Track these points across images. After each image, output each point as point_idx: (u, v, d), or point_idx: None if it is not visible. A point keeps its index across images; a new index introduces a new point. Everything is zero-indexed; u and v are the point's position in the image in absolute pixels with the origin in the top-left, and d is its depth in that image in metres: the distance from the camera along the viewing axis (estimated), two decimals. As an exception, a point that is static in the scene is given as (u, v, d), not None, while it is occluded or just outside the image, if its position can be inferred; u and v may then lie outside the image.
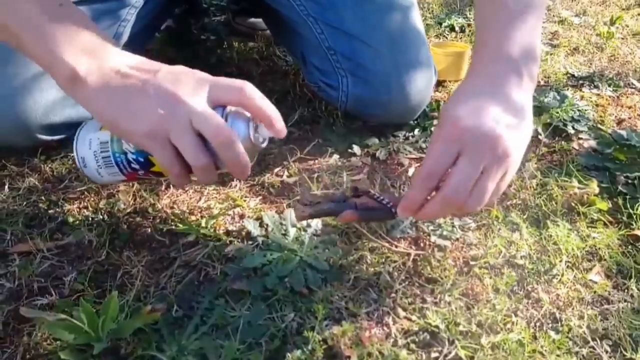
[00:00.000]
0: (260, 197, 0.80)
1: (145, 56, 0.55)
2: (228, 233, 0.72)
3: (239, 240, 0.70)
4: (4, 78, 0.76)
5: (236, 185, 0.82)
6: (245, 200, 0.78)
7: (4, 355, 0.55)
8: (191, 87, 0.51)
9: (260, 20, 1.35)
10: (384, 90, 0.90)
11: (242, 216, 0.75)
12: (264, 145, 0.57)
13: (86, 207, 0.75)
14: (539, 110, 1.02)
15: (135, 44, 0.91)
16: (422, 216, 0.57)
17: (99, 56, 0.52)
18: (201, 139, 0.52)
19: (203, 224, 0.72)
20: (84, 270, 0.64)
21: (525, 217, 0.76)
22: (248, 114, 0.55)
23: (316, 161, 0.89)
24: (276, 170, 0.86)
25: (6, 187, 0.78)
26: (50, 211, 0.74)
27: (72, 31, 0.52)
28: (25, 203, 0.75)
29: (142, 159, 0.58)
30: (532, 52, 0.59)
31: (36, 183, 0.79)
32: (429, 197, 0.55)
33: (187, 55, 1.20)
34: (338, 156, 0.89)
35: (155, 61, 0.54)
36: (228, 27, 1.38)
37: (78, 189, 0.78)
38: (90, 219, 0.73)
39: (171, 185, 0.80)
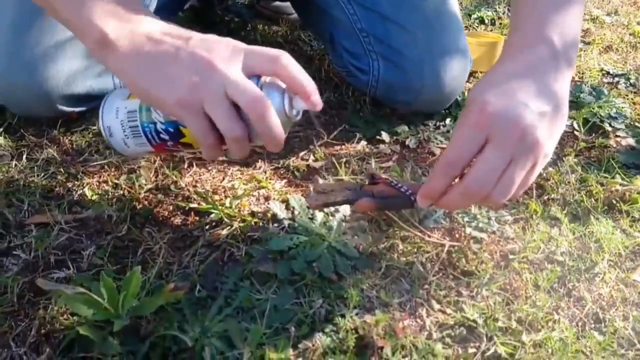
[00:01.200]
0: (285, 180, 0.76)
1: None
2: (253, 214, 0.68)
3: (264, 222, 0.67)
4: (27, 44, 0.74)
5: (260, 166, 0.79)
6: (270, 182, 0.75)
7: (18, 329, 0.52)
8: (226, 54, 0.49)
9: (284, 4, 1.32)
10: (417, 76, 0.87)
11: (267, 198, 0.72)
12: (298, 117, 0.54)
13: (106, 182, 0.72)
14: (575, 105, 0.98)
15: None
16: (442, 205, 0.53)
17: (130, 20, 0.50)
18: (235, 108, 0.48)
19: (227, 204, 0.69)
20: (103, 245, 0.62)
21: (565, 212, 0.72)
22: (283, 85, 0.52)
23: (343, 146, 0.85)
24: (302, 153, 0.83)
25: (24, 157, 0.75)
26: (69, 184, 0.71)
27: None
28: (43, 174, 0.72)
29: (172, 129, 0.55)
30: (572, 37, 0.54)
31: (55, 155, 0.76)
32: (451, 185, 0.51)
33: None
34: (366, 142, 0.86)
35: (187, 29, 0.51)
36: (252, 10, 1.35)
37: (98, 163, 0.75)
38: (110, 193, 0.70)
39: (194, 164, 0.77)
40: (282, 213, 0.68)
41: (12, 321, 0.53)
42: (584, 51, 1.27)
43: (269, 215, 0.68)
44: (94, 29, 0.49)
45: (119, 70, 0.50)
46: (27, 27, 0.74)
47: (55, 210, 0.66)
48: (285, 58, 0.50)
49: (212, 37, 0.50)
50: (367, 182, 0.60)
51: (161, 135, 0.55)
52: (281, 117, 0.50)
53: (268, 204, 0.70)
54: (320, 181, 0.70)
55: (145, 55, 0.49)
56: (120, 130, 0.57)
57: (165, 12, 0.94)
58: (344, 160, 0.80)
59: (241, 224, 0.66)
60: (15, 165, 0.74)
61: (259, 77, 0.50)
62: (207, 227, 0.66)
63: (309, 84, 0.50)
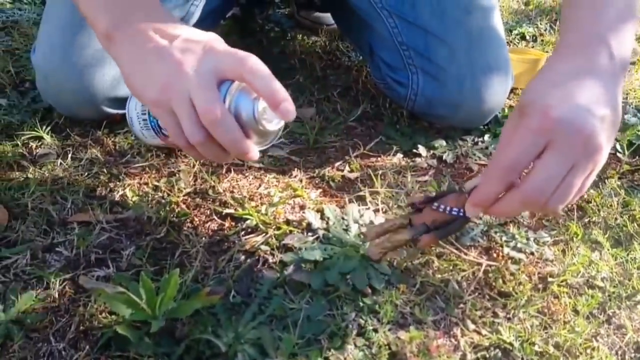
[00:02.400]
0: (321, 190, 0.77)
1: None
2: (288, 222, 0.69)
3: (299, 230, 0.67)
4: (76, 46, 0.76)
5: (296, 175, 0.79)
6: (305, 191, 0.75)
7: (58, 324, 0.54)
8: (197, 57, 0.48)
9: (324, 15, 1.33)
10: (457, 91, 0.86)
11: (302, 207, 0.72)
12: (279, 126, 0.52)
13: (146, 184, 0.74)
14: (621, 127, 0.95)
15: (202, 28, 0.90)
16: (494, 212, 0.51)
17: (134, 15, 0.52)
18: None
19: (263, 211, 0.69)
20: (142, 246, 0.63)
21: (606, 236, 0.70)
22: None
23: (379, 158, 0.85)
24: (337, 164, 0.83)
25: (69, 156, 0.78)
26: (111, 184, 0.73)
27: None
28: (86, 174, 0.74)
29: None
30: (628, 44, 0.52)
31: (98, 155, 0.78)
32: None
33: (251, 43, 1.19)
34: (402, 155, 0.86)
35: (192, 27, 0.52)
36: (292, 20, 1.37)
37: (139, 165, 0.77)
38: (150, 195, 0.71)
39: (232, 169, 0.78)
40: (316, 222, 0.68)
41: (53, 316, 0.54)
42: (628, 71, 1.24)
43: (304, 224, 0.68)
44: (100, 21, 0.53)
45: (117, 62, 0.53)
46: (79, 29, 0.76)
47: (97, 209, 0.68)
48: (252, 61, 0.48)
49: (196, 36, 0.50)
50: (411, 211, 0.58)
51: (162, 130, 0.59)
52: (251, 124, 0.49)
53: (303, 212, 0.70)
54: (365, 229, 0.67)
55: (134, 50, 0.51)
56: (137, 121, 0.63)
57: (209, 20, 0.96)
58: (380, 172, 0.80)
59: (276, 232, 0.67)
60: (60, 163, 0.76)
61: (232, 82, 0.49)
62: (242, 233, 0.66)
63: (277, 91, 0.47)
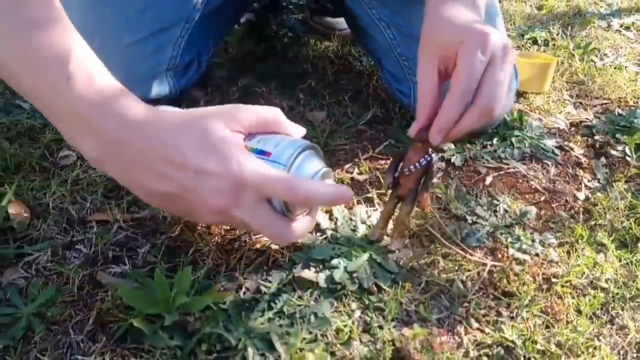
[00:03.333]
0: (330, 192, 0.78)
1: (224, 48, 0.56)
2: (298, 223, 0.71)
3: (309, 231, 0.69)
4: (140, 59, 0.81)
5: (307, 177, 0.81)
6: (315, 193, 0.77)
7: (76, 317, 0.56)
8: (231, 196, 0.48)
9: (337, 20, 1.35)
10: None
11: (312, 208, 0.74)
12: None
13: (161, 184, 0.76)
14: (628, 130, 0.96)
15: (213, 31, 0.93)
16: (454, 134, 0.57)
17: (103, 139, 0.48)
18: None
19: (273, 212, 0.71)
20: (157, 244, 0.65)
21: (612, 238, 0.71)
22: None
23: (388, 161, 0.87)
24: (347, 166, 0.85)
25: (88, 158, 0.81)
26: (128, 185, 0.76)
27: (82, 111, 0.47)
28: (105, 175, 0.77)
29: None
30: None
31: (116, 157, 0.81)
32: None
33: (265, 48, 1.22)
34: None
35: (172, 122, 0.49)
36: (305, 25, 1.39)
37: (155, 166, 0.80)
38: (164, 195, 0.74)
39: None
40: (325, 223, 0.70)
41: (72, 310, 0.57)
42: (638, 74, 1.24)
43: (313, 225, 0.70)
44: (83, 152, 0.49)
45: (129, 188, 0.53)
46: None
47: (114, 209, 0.70)
48: (305, 189, 0.49)
49: (213, 142, 0.48)
50: (391, 187, 0.64)
51: None
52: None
53: (313, 213, 0.72)
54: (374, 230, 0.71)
55: (154, 193, 0.49)
56: None
57: (224, 24, 0.99)
58: (389, 175, 0.81)
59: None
60: (80, 165, 0.79)
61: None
62: (253, 232, 0.68)
63: (337, 199, 0.53)
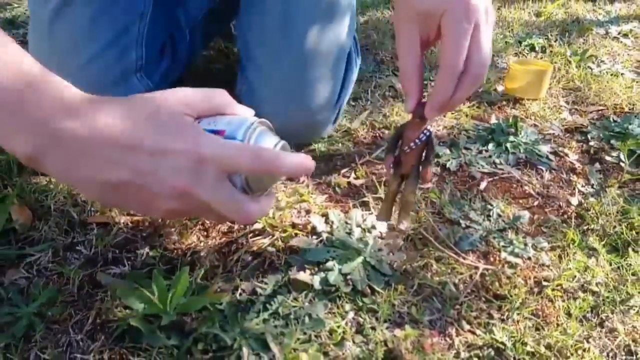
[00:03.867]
0: (327, 196, 0.80)
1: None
2: (294, 226, 0.72)
3: (304, 233, 0.71)
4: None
5: (304, 181, 0.82)
6: (312, 197, 0.78)
7: (76, 317, 0.58)
8: (191, 174, 0.43)
9: None
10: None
11: (308, 211, 0.75)
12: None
13: (161, 188, 0.78)
14: (623, 136, 0.97)
15: (176, 12, 0.89)
16: (452, 107, 0.57)
17: (40, 132, 0.41)
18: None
19: (270, 215, 0.73)
20: (156, 246, 0.67)
21: (603, 243, 0.72)
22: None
23: (384, 166, 0.88)
24: (343, 171, 0.86)
25: (89, 161, 0.82)
26: (128, 188, 0.77)
27: (10, 102, 0.41)
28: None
29: None
30: None
31: (117, 160, 0.83)
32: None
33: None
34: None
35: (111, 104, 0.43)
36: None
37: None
38: (164, 198, 0.75)
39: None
40: (321, 226, 0.72)
41: (72, 310, 0.58)
42: (636, 82, 1.25)
43: (309, 227, 0.72)
44: (10, 148, 0.42)
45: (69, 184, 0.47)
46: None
47: (114, 211, 0.72)
48: (254, 151, 0.45)
49: (160, 131, 0.43)
50: (394, 170, 0.63)
51: None
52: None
53: (309, 216, 0.73)
54: (366, 233, 0.71)
55: (102, 188, 0.43)
56: None
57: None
58: (384, 179, 0.83)
59: (282, 234, 0.70)
60: (82, 168, 0.80)
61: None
62: (250, 235, 0.70)
63: (294, 168, 0.46)
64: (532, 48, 1.40)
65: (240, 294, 0.61)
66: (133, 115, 0.43)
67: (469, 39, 0.54)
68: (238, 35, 0.93)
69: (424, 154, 0.61)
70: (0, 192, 0.71)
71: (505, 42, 1.42)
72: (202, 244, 0.67)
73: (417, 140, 0.59)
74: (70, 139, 0.41)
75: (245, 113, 0.50)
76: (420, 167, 0.61)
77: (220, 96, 0.48)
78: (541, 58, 1.33)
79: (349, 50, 0.91)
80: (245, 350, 0.55)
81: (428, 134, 0.59)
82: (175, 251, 0.67)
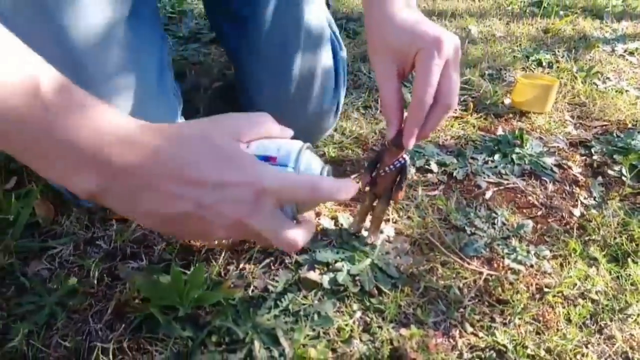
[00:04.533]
0: (336, 200, 0.82)
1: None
2: (305, 228, 0.74)
3: (314, 235, 0.73)
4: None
5: (315, 186, 0.85)
6: (322, 201, 0.81)
7: (96, 307, 0.60)
8: (250, 205, 0.45)
9: None
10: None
11: (318, 214, 0.78)
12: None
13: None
14: (626, 151, 0.99)
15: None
16: (426, 134, 0.62)
17: (107, 171, 0.41)
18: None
19: (282, 217, 0.75)
20: (172, 243, 0.69)
21: (604, 253, 0.75)
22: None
23: (360, 183, 0.90)
24: (353, 176, 0.89)
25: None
26: (145, 187, 0.80)
27: (71, 143, 0.41)
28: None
29: None
30: None
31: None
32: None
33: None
34: (414, 170, 0.91)
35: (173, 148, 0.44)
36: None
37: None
38: (180, 198, 0.78)
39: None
40: (331, 229, 0.74)
41: (92, 300, 0.61)
42: (639, 98, 1.27)
43: (319, 229, 0.74)
44: (72, 186, 0.42)
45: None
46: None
47: (132, 208, 0.75)
48: (313, 186, 0.47)
49: (223, 176, 0.44)
50: (369, 188, 0.70)
51: None
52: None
53: (319, 219, 0.76)
54: (353, 224, 0.76)
55: (163, 219, 0.44)
56: None
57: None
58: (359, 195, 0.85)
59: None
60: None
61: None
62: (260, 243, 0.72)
63: (342, 195, 0.50)
64: (539, 63, 1.42)
65: (253, 291, 0.64)
66: (192, 148, 0.44)
67: (439, 73, 0.59)
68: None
69: (398, 179, 0.67)
70: (24, 188, 0.74)
71: (513, 56, 1.44)
72: (216, 242, 0.70)
73: (391, 166, 0.66)
74: (133, 175, 0.42)
75: (288, 134, 0.53)
76: (393, 190, 0.68)
77: (265, 120, 0.51)
78: (548, 73, 1.36)
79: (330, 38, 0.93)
80: (257, 344, 0.57)
81: (403, 162, 0.66)
82: (191, 248, 0.69)
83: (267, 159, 0.50)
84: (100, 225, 0.72)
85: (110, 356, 0.55)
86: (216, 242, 0.68)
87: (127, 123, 0.43)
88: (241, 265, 0.67)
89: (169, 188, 0.43)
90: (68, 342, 0.56)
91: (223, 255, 0.68)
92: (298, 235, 0.49)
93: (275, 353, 0.57)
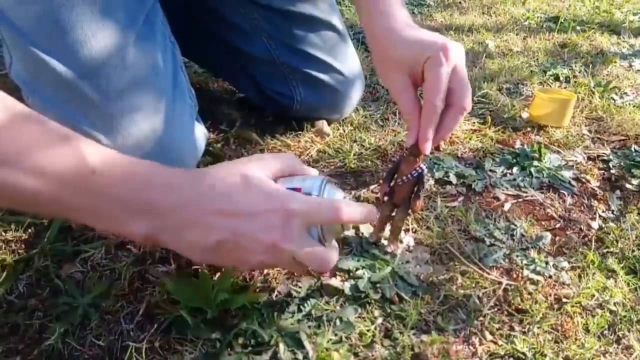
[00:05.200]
0: (357, 210, 0.84)
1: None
2: (326, 236, 0.76)
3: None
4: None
5: (335, 195, 0.87)
6: (343, 210, 0.83)
7: (127, 309, 0.63)
8: (281, 229, 0.51)
9: None
10: (331, 97, 1.03)
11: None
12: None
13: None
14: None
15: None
16: (442, 137, 0.66)
17: (155, 214, 0.49)
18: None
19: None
20: (199, 248, 0.72)
21: (622, 265, 0.75)
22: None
23: (379, 193, 0.92)
24: (372, 187, 0.91)
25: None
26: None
27: (123, 197, 0.48)
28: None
29: None
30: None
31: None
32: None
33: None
34: (433, 182, 0.93)
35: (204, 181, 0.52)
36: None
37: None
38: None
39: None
40: (352, 237, 0.76)
41: (123, 302, 0.64)
42: (660, 114, 1.28)
43: (341, 237, 0.76)
44: (131, 235, 0.52)
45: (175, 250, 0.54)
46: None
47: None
48: (345, 211, 0.53)
49: (257, 209, 0.51)
50: (388, 198, 0.72)
51: None
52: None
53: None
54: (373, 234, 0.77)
55: (205, 248, 0.51)
56: None
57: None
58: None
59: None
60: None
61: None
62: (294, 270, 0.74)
63: (373, 217, 0.60)
64: (557, 78, 1.43)
65: (277, 296, 0.66)
66: (230, 184, 0.51)
67: (448, 78, 0.62)
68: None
69: (416, 188, 0.69)
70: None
71: (530, 71, 1.46)
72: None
73: (409, 175, 0.68)
74: (175, 214, 0.49)
75: (311, 172, 0.59)
76: (411, 199, 0.70)
77: (290, 159, 0.58)
78: (565, 88, 1.37)
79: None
80: (281, 346, 0.59)
81: (420, 171, 0.68)
82: (217, 254, 0.72)
83: (293, 189, 0.55)
84: (131, 230, 0.74)
85: (143, 355, 0.57)
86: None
87: (162, 171, 0.50)
88: (265, 271, 0.69)
89: (207, 221, 0.50)
90: (102, 341, 0.59)
91: (248, 261, 0.70)
92: (328, 255, 0.53)
93: (300, 356, 0.58)
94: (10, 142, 0.43)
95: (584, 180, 0.97)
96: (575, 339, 0.63)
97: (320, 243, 0.55)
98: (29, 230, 0.72)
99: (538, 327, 0.64)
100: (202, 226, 0.50)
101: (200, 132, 0.82)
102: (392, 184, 0.71)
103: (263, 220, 0.50)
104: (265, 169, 0.54)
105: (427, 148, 0.65)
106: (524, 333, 0.64)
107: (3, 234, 0.71)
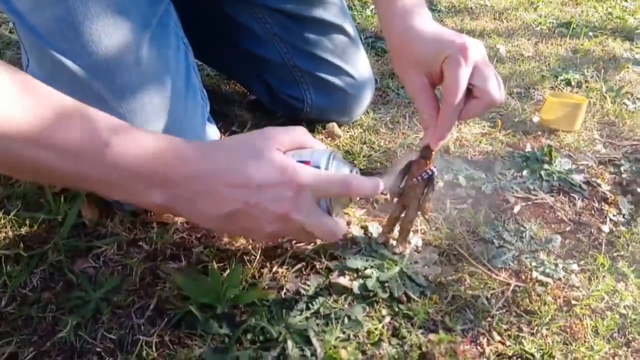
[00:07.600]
0: (365, 210, 0.85)
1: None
2: (335, 236, 0.77)
3: (344, 242, 0.76)
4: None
5: (345, 196, 0.88)
6: (352, 209, 0.83)
7: (138, 304, 0.64)
8: (291, 201, 0.54)
9: None
10: (343, 99, 1.03)
11: (348, 223, 0.80)
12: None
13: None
14: (656, 170, 1.00)
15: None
16: (461, 119, 0.65)
17: (170, 184, 0.51)
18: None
19: (314, 225, 0.78)
20: (209, 246, 0.73)
21: (632, 269, 0.75)
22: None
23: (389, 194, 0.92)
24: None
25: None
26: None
27: (138, 168, 0.50)
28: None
29: None
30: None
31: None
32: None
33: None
34: (443, 184, 0.93)
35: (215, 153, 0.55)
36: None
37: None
38: (216, 204, 0.82)
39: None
40: (360, 237, 0.77)
41: (134, 297, 0.64)
42: (673, 119, 1.27)
43: (349, 237, 0.77)
44: (146, 204, 0.55)
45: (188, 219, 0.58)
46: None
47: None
48: (354, 182, 0.58)
49: (271, 180, 0.53)
50: (398, 199, 0.72)
51: None
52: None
53: (349, 227, 0.78)
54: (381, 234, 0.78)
55: (217, 218, 0.53)
56: None
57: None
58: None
59: (325, 242, 0.75)
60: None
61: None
62: (294, 241, 0.75)
63: (377, 190, 0.61)
64: (568, 83, 1.43)
65: (285, 293, 0.66)
66: (243, 156, 0.53)
67: (468, 78, 0.62)
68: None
69: (426, 190, 0.70)
70: (72, 191, 0.79)
71: (542, 75, 1.45)
72: (251, 246, 0.73)
73: (419, 177, 0.68)
74: (196, 185, 0.51)
75: (320, 145, 0.61)
76: (421, 201, 0.70)
77: (300, 132, 0.60)
78: (577, 92, 1.37)
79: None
80: (289, 343, 0.59)
81: (430, 173, 0.68)
82: (227, 252, 0.72)
83: (302, 162, 0.57)
84: (142, 227, 0.75)
85: (153, 349, 0.58)
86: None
87: (177, 143, 0.53)
88: (274, 269, 0.70)
89: (220, 192, 0.52)
90: (113, 334, 0.60)
91: (257, 258, 0.71)
92: (336, 225, 0.57)
93: (307, 353, 0.59)
94: (23, 116, 0.44)
95: (594, 184, 0.97)
96: (585, 341, 0.63)
97: (328, 214, 0.58)
98: (43, 226, 0.74)
99: (547, 329, 0.64)
100: (215, 196, 0.51)
101: (212, 132, 0.84)
102: (402, 185, 0.71)
103: (275, 192, 0.52)
104: (276, 142, 0.56)
105: (437, 146, 0.65)
106: (532, 334, 0.64)
107: (18, 229, 0.73)
